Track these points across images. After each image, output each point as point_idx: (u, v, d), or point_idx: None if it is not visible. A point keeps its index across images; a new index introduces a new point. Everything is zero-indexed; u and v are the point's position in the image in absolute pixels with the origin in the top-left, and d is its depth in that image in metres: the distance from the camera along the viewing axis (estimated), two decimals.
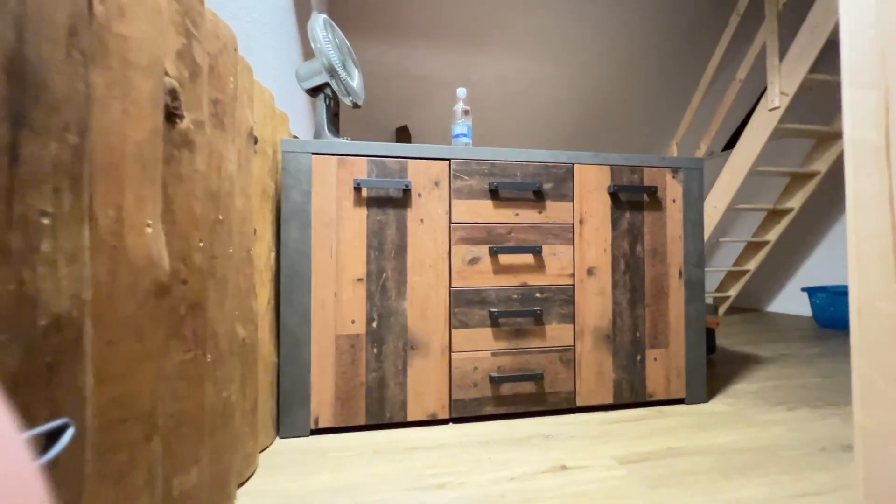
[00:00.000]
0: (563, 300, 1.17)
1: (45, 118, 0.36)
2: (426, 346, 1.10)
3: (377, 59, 3.07)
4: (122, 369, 0.47)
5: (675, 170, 1.24)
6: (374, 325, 1.08)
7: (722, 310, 3.01)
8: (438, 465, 0.89)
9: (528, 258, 1.16)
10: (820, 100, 2.94)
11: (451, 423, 1.12)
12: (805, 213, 2.99)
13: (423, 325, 1.10)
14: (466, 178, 1.13)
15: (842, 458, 0.90)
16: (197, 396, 0.62)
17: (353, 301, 1.07)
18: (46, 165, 0.36)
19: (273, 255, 1.04)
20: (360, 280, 1.07)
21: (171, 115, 0.57)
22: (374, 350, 1.08)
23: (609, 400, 1.19)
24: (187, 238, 0.60)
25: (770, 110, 2.39)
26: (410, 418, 1.09)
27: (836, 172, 2.79)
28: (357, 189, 1.08)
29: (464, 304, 1.12)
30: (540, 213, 1.17)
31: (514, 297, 1.15)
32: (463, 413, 1.11)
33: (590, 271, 1.19)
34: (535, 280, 1.16)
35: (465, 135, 1.28)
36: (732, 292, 2.95)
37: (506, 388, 1.13)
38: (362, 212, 1.08)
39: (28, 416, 0.35)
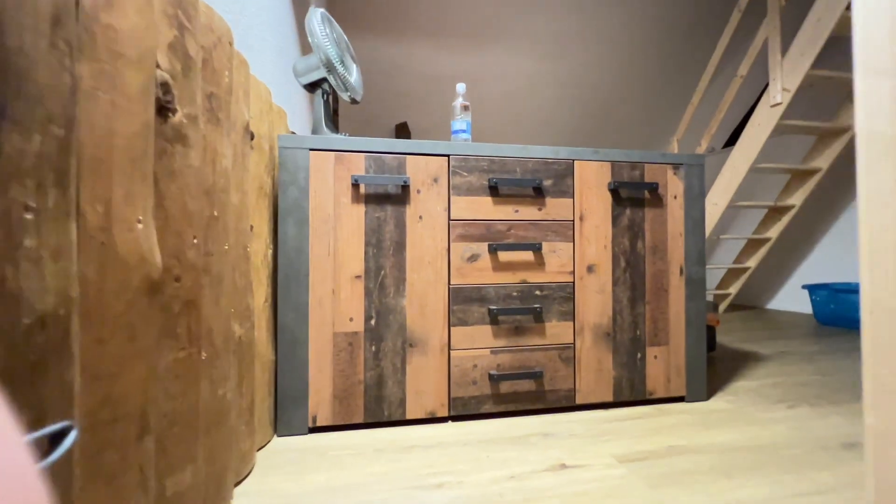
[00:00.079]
0: (563, 297, 1.16)
1: (27, 110, 0.34)
2: (425, 343, 1.09)
3: (376, 55, 3.05)
4: (112, 368, 0.46)
5: (676, 166, 1.23)
6: (373, 322, 1.07)
7: (722, 307, 3.00)
8: (437, 464, 0.88)
9: (528, 255, 1.15)
10: (821, 96, 2.92)
11: (450, 422, 1.11)
12: (806, 210, 2.98)
13: (421, 323, 1.09)
14: (465, 174, 1.12)
15: (843, 457, 0.89)
16: (191, 395, 0.61)
17: (351, 298, 1.06)
18: (30, 158, 0.35)
19: (270, 252, 1.03)
20: (358, 277, 1.06)
21: (164, 109, 0.56)
22: (373, 348, 1.07)
23: (609, 398, 1.18)
24: (180, 234, 0.59)
25: (772, 106, 2.37)
26: (409, 416, 1.08)
27: (838, 169, 2.77)
28: (355, 185, 1.07)
29: (463, 302, 1.11)
30: (540, 209, 1.16)
31: (514, 294, 1.14)
32: (462, 411, 1.10)
33: (590, 268, 1.18)
34: (534, 277, 1.15)
35: (464, 131, 1.26)
36: (733, 290, 2.94)
37: (505, 386, 1.13)
38: (360, 208, 1.07)
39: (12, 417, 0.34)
